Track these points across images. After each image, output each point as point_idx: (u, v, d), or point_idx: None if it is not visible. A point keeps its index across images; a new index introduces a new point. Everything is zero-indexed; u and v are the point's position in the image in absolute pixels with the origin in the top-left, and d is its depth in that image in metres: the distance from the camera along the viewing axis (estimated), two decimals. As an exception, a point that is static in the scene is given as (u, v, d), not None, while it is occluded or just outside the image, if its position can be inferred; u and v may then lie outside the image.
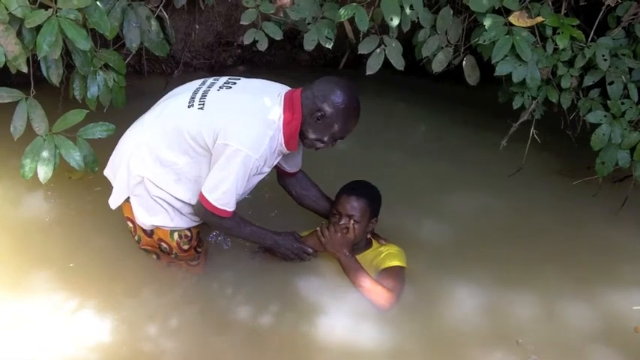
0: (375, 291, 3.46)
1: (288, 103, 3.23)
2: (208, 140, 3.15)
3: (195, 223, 3.44)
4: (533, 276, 3.76)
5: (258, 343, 3.31)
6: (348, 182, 3.65)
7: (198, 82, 3.41)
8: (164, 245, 3.45)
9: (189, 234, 3.46)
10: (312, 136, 3.27)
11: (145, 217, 3.36)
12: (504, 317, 3.54)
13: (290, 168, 3.62)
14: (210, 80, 3.40)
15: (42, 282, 3.48)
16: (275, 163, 3.38)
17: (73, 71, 3.96)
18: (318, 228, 3.59)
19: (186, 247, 3.48)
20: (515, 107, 4.25)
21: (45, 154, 3.66)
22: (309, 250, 3.58)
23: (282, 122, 3.21)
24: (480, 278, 3.72)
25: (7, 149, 3.87)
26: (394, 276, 3.55)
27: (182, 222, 3.39)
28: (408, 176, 4.47)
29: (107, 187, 3.83)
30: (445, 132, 5.03)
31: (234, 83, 3.35)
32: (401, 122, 5.11)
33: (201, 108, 3.22)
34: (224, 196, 3.16)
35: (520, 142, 4.39)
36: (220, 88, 3.32)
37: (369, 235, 3.74)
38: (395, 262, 3.60)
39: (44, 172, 3.65)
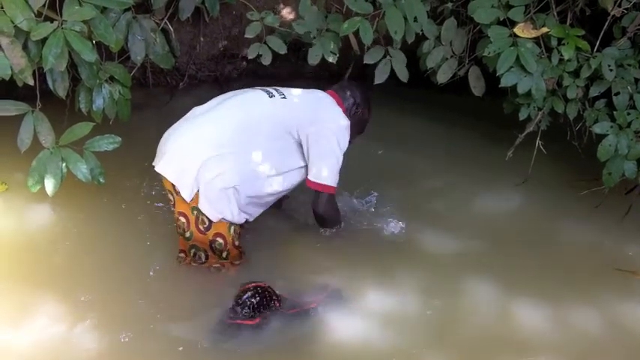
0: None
1: (337, 101, 3.63)
2: (298, 124, 3.44)
3: (251, 218, 3.58)
4: (540, 285, 3.75)
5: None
6: None
7: (250, 89, 3.63)
8: (219, 241, 3.48)
9: (239, 230, 3.55)
10: (355, 128, 3.63)
11: (215, 209, 3.39)
12: (510, 325, 3.53)
13: None
14: (258, 87, 3.63)
15: (54, 306, 3.43)
16: None
17: (78, 84, 3.97)
18: None
19: (237, 242, 3.54)
20: (521, 118, 4.24)
21: (52, 166, 3.67)
22: None
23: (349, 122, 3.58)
24: (484, 287, 3.72)
25: (14, 162, 3.88)
26: None
27: (242, 217, 3.49)
28: (413, 186, 4.47)
29: (114, 199, 3.86)
30: (451, 143, 5.02)
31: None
32: (406, 133, 5.11)
33: (284, 97, 3.50)
34: (336, 175, 3.53)
35: (526, 152, 4.38)
36: (282, 86, 3.65)
37: None
38: None
39: (52, 184, 3.67)
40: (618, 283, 3.82)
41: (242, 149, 3.36)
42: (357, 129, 3.72)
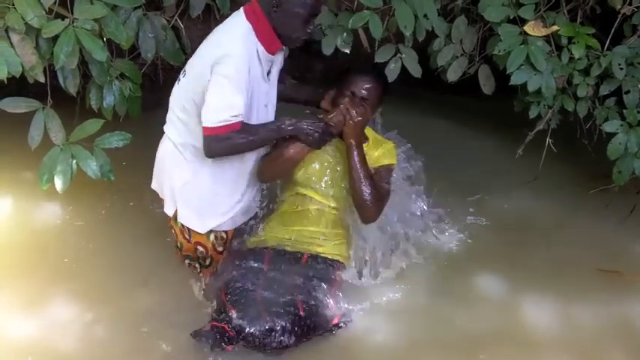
0: (368, 200, 3.28)
1: (250, 11, 3.17)
2: (200, 91, 3.13)
3: (234, 224, 3.48)
4: (546, 283, 3.78)
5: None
6: (357, 62, 3.56)
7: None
8: (200, 249, 3.47)
9: (224, 235, 3.47)
10: (283, 29, 3.15)
11: (196, 220, 3.39)
12: (516, 321, 3.56)
13: None
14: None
15: (62, 303, 3.47)
16: (269, 74, 3.31)
17: (89, 81, 3.97)
18: (341, 105, 3.33)
19: (220, 248, 3.49)
20: (531, 117, 4.23)
21: (62, 163, 3.68)
22: (331, 123, 3.30)
23: (251, 29, 3.14)
24: (492, 284, 3.76)
25: (23, 159, 3.90)
26: (385, 179, 3.47)
27: (223, 224, 3.44)
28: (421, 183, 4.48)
29: (123, 197, 3.87)
30: (461, 141, 5.03)
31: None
32: (416, 132, 5.06)
33: (185, 75, 3.27)
34: (226, 111, 3.03)
35: (536, 150, 4.39)
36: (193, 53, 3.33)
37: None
38: (387, 161, 3.52)
39: (61, 181, 3.68)
40: (623, 281, 3.83)
41: (188, 149, 3.31)
42: (290, 27, 3.16)
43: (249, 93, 3.13)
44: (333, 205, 3.52)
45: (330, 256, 3.48)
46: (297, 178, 3.49)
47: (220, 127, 3.04)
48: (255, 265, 3.33)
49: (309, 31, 3.22)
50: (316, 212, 3.51)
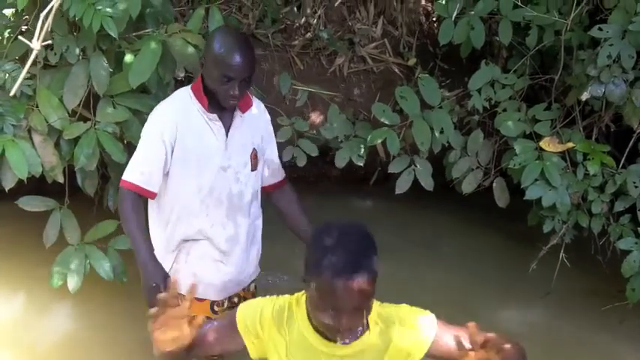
0: None
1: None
2: None
3: None
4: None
5: None
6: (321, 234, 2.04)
7: None
8: None
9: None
10: (209, 85, 2.93)
11: None
12: None
13: (268, 179, 3.27)
14: None
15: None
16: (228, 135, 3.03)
17: (107, 182, 4.01)
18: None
19: None
20: (545, 231, 4.24)
21: (75, 263, 3.69)
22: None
23: (190, 90, 3.01)
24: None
25: (38, 255, 3.90)
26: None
27: None
28: (433, 293, 4.43)
29: (135, 298, 3.84)
30: (475, 250, 5.02)
31: None
32: (430, 237, 5.11)
33: None
34: (135, 167, 2.91)
35: (550, 263, 4.37)
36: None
37: None
38: (425, 335, 2.13)
39: (74, 282, 3.67)
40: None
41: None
42: (213, 83, 2.89)
43: (177, 145, 2.95)
44: None
45: None
46: None
47: (126, 181, 2.91)
48: None
49: (231, 93, 2.88)
50: None
